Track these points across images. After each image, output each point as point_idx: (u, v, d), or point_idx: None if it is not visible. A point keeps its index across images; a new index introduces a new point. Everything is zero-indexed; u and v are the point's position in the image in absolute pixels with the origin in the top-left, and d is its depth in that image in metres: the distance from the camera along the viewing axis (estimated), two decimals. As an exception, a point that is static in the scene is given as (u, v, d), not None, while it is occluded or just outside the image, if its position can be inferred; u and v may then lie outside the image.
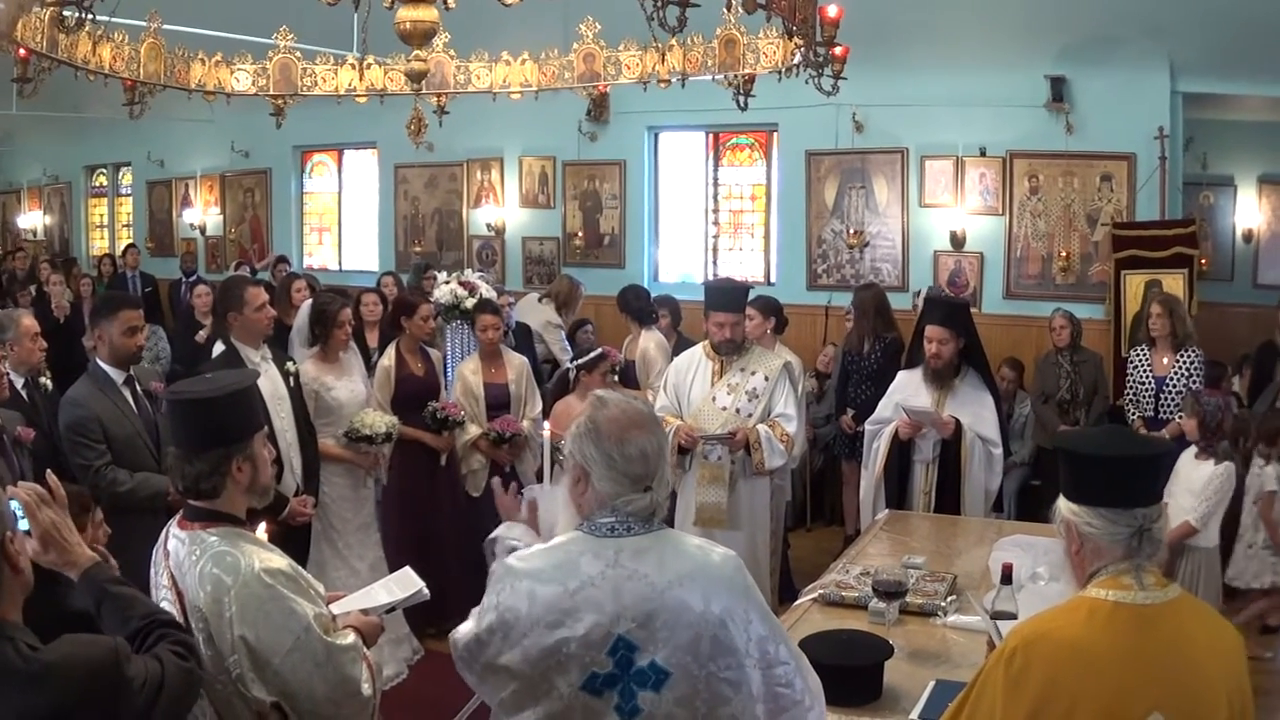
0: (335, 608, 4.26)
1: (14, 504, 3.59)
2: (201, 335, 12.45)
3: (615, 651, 3.50)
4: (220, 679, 3.86)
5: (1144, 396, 9.96)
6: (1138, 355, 10.18)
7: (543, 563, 3.64)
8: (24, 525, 3.59)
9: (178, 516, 4.18)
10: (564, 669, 3.52)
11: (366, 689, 4.03)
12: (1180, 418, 8.68)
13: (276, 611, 3.87)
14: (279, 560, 4.04)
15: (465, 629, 3.77)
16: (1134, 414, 10.07)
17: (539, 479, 8.89)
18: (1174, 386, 9.64)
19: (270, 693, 3.86)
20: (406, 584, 4.52)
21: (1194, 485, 7.90)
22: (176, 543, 4.05)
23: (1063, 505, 3.45)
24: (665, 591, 3.50)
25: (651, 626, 3.49)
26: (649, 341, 10.28)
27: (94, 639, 3.34)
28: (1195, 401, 8.13)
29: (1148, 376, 9.96)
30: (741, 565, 3.67)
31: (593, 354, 9.35)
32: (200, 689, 3.61)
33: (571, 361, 9.49)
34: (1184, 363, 9.74)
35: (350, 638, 4.06)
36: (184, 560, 3.97)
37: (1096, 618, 3.26)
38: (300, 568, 4.15)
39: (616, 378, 9.91)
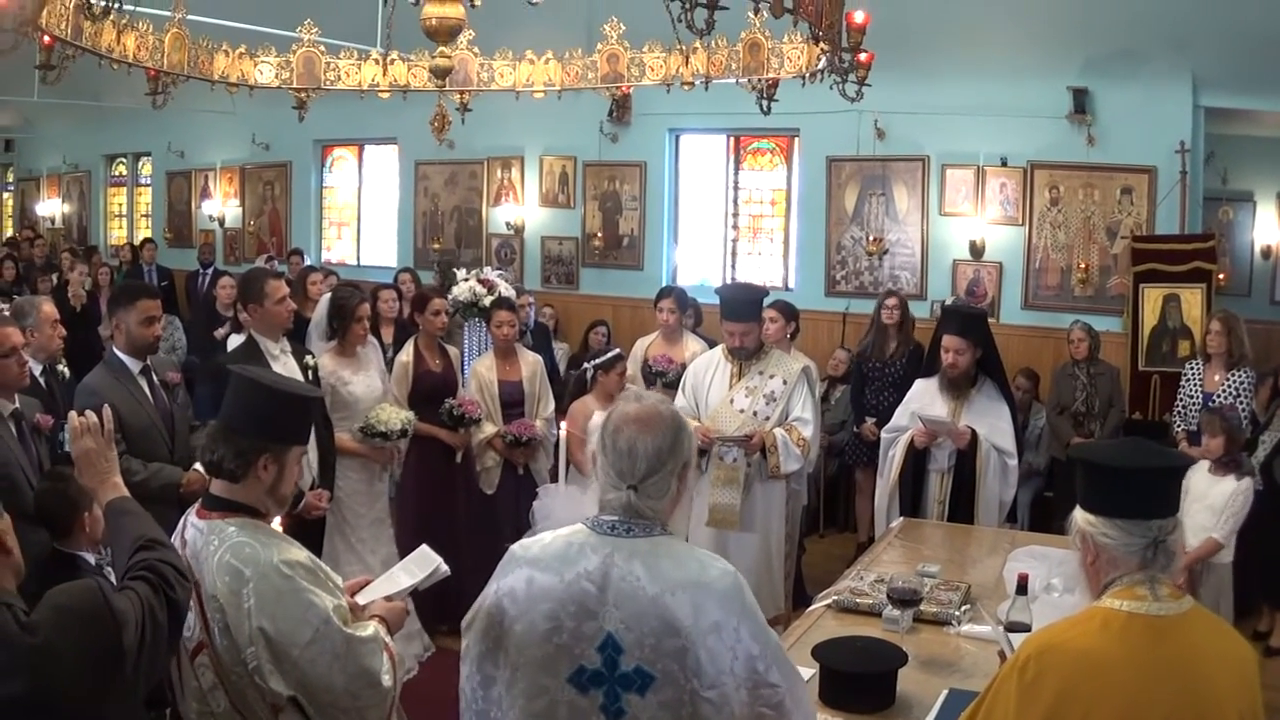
0: (360, 597, 4.28)
1: (66, 426, 4.15)
2: (220, 332, 12.41)
3: (604, 649, 3.53)
4: (236, 670, 3.88)
5: (1191, 410, 9.93)
6: (1191, 369, 10.18)
7: (542, 552, 3.69)
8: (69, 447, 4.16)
9: (196, 505, 4.20)
10: (553, 661, 3.57)
11: (387, 680, 4.04)
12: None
13: (295, 603, 3.88)
14: (298, 552, 4.05)
15: (471, 611, 3.83)
16: (1179, 426, 10.06)
17: (553, 478, 8.92)
18: (1220, 404, 9.46)
19: (289, 685, 3.87)
20: (425, 563, 4.52)
21: (1212, 501, 7.87)
22: (194, 532, 4.07)
23: (1079, 515, 3.45)
24: (656, 598, 3.50)
25: (640, 630, 3.50)
26: (699, 345, 10.24)
27: (74, 584, 3.43)
28: (1221, 419, 8.08)
29: (1197, 391, 9.96)
30: (741, 583, 3.62)
31: (609, 354, 9.34)
32: (183, 613, 3.69)
33: (589, 361, 9.49)
34: (1234, 382, 9.69)
35: (370, 629, 4.07)
36: (201, 549, 3.98)
37: (1110, 628, 3.26)
38: (319, 560, 4.16)
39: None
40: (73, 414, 4.08)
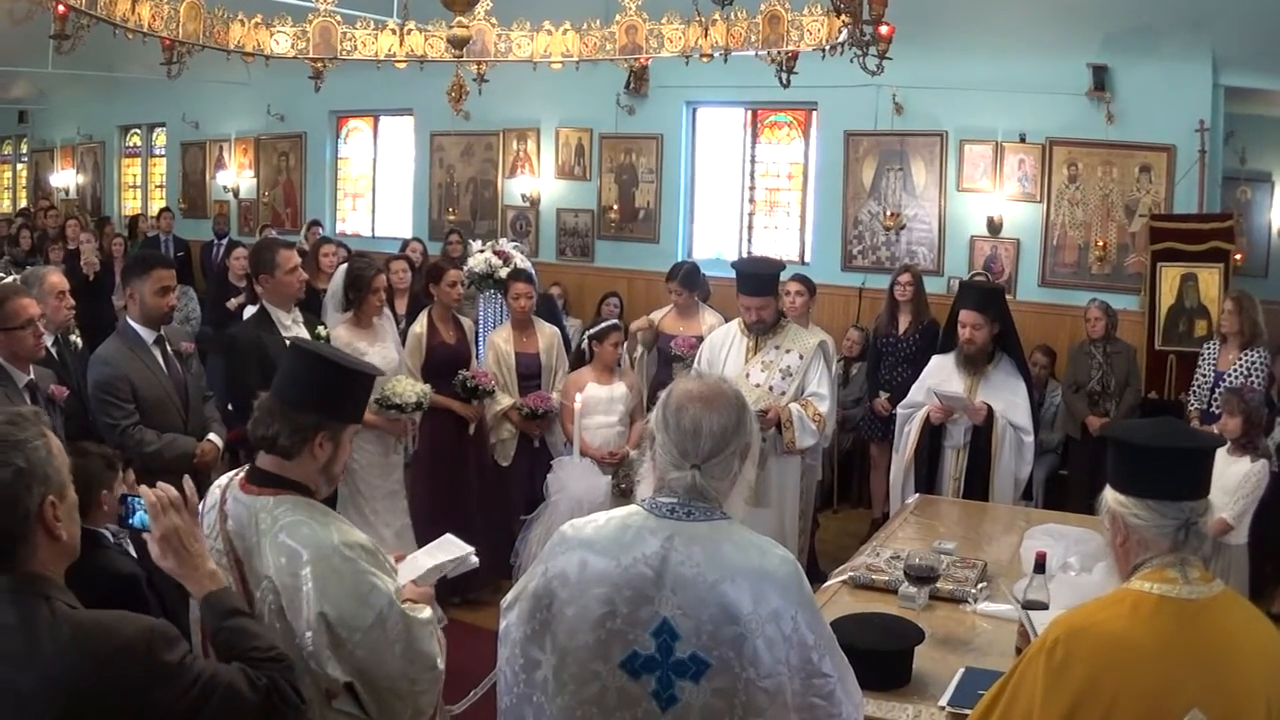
0: None
1: (139, 502, 3.61)
2: (233, 302, 12.37)
3: (659, 634, 3.43)
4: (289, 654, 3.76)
5: (1204, 389, 9.93)
6: (1207, 349, 10.18)
7: (596, 534, 3.58)
8: (144, 521, 3.59)
9: (239, 476, 4.05)
10: (605, 646, 3.47)
11: (440, 663, 3.99)
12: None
13: (358, 587, 3.77)
14: (358, 534, 3.94)
15: (513, 592, 3.73)
16: (1193, 405, 10.06)
17: (569, 451, 8.90)
18: (1231, 383, 9.46)
19: (346, 671, 3.76)
20: (451, 550, 4.49)
21: (1227, 482, 7.81)
22: (238, 506, 3.92)
23: (1110, 496, 3.39)
24: (716, 585, 3.41)
25: (698, 617, 3.41)
26: (715, 318, 10.19)
27: (135, 617, 3.15)
28: (1240, 399, 8.03)
29: (1210, 370, 9.95)
30: (800, 570, 3.54)
31: (604, 324, 9.30)
32: None
33: (584, 332, 9.47)
34: (1247, 361, 9.65)
35: (426, 612, 3.99)
36: (247, 526, 3.86)
37: (1140, 611, 3.22)
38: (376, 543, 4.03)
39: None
40: (145, 489, 3.59)
